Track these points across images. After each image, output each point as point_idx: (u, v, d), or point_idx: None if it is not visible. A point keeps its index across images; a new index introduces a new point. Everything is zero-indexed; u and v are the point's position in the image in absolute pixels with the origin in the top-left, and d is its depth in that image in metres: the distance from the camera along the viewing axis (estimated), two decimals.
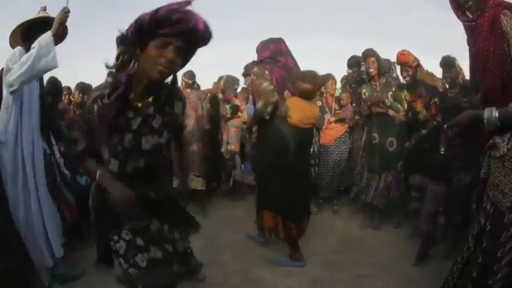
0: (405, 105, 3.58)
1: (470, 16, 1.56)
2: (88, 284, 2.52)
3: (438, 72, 3.64)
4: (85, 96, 3.92)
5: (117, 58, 1.20)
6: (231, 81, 4.80)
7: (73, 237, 2.73)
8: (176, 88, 1.40)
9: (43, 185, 2.36)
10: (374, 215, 3.74)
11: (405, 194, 3.69)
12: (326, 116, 4.12)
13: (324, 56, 11.13)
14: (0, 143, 2.20)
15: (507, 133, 1.47)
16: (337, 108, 4.25)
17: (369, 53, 3.65)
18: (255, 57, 3.09)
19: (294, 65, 3.02)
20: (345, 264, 2.93)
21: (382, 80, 3.65)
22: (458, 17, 1.60)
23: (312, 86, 2.81)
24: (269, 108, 2.73)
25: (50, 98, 3.11)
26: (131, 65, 1.19)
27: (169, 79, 1.29)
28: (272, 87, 2.75)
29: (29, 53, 2.04)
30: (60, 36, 2.29)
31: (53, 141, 2.65)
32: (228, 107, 4.37)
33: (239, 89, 4.85)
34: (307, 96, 2.83)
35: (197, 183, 4.10)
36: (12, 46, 2.23)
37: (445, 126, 1.67)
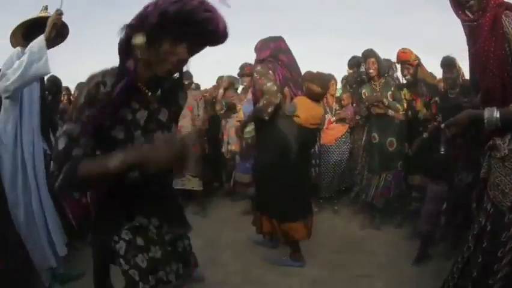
0: (405, 105, 3.57)
1: (471, 16, 1.55)
2: (88, 284, 2.51)
3: (437, 73, 3.65)
4: None
5: (127, 41, 1.10)
6: (231, 81, 4.80)
7: (74, 237, 2.73)
8: (181, 80, 1.33)
9: (44, 185, 2.36)
10: (375, 215, 3.74)
11: (405, 194, 3.69)
12: (326, 116, 4.11)
13: (324, 56, 11.16)
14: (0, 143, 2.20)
15: (507, 134, 1.47)
16: (338, 108, 4.26)
17: (369, 54, 3.65)
18: (254, 57, 3.08)
19: (294, 64, 3.01)
20: (345, 264, 2.93)
21: (382, 80, 3.66)
22: (459, 16, 1.60)
23: (321, 88, 2.84)
24: (270, 109, 2.73)
25: (50, 96, 3.11)
26: (142, 52, 1.09)
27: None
28: (276, 87, 2.74)
29: (21, 59, 2.04)
30: (61, 36, 2.30)
31: (53, 140, 2.65)
32: (223, 102, 4.36)
33: (239, 90, 4.85)
34: (315, 97, 2.85)
35: (193, 183, 4.08)
36: (14, 45, 2.24)
37: (443, 125, 1.66)
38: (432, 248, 2.94)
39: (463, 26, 1.62)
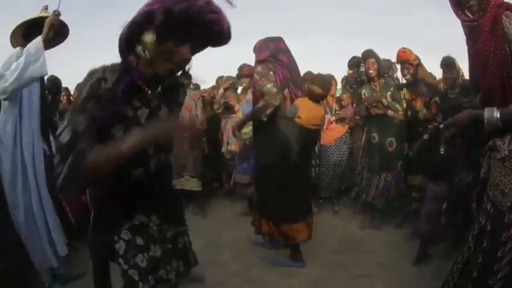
0: (404, 105, 3.57)
1: (471, 16, 1.55)
2: (89, 284, 2.50)
3: (437, 73, 3.65)
4: None
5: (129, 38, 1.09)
6: (231, 81, 4.79)
7: (74, 237, 2.73)
8: (181, 77, 1.32)
9: (44, 185, 2.36)
10: (375, 215, 3.74)
11: (405, 194, 3.69)
12: (326, 116, 4.11)
13: (324, 56, 11.17)
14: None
15: (507, 135, 1.46)
16: (338, 108, 4.27)
17: (368, 54, 3.65)
18: (254, 58, 3.08)
19: (294, 64, 3.02)
20: (345, 265, 2.93)
21: (381, 80, 3.66)
22: (458, 16, 1.60)
23: (322, 89, 2.84)
24: (269, 111, 2.73)
25: (50, 95, 3.11)
26: (150, 51, 1.08)
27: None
28: (276, 89, 2.74)
29: (18, 60, 2.04)
30: (62, 35, 2.30)
31: (52, 140, 2.65)
32: (222, 102, 4.36)
33: (239, 90, 4.85)
34: (316, 98, 2.86)
35: (192, 184, 4.06)
36: (14, 45, 2.24)
37: (441, 125, 1.65)
38: (432, 248, 2.94)
39: (463, 26, 1.62)
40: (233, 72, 4.58)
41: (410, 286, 2.58)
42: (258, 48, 2.98)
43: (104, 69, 1.14)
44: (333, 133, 4.18)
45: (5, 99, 2.15)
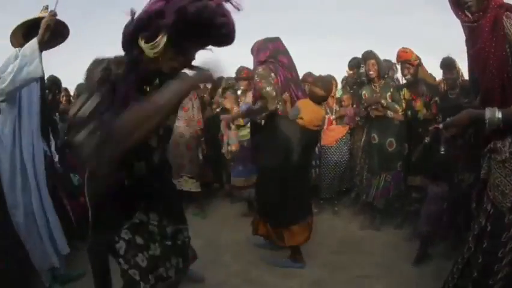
0: (404, 105, 3.58)
1: (470, 17, 1.55)
2: (89, 284, 2.50)
3: (437, 73, 3.65)
4: None
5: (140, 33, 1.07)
6: (230, 82, 4.79)
7: (74, 237, 2.72)
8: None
9: (44, 185, 2.36)
10: (375, 216, 3.74)
11: (404, 195, 3.69)
12: (326, 116, 4.12)
13: (324, 56, 11.16)
14: None
15: (507, 137, 1.46)
16: (337, 109, 4.27)
17: (368, 56, 3.65)
18: (252, 59, 3.08)
19: (293, 65, 3.02)
20: (345, 265, 2.93)
21: (382, 81, 3.66)
22: (458, 17, 1.59)
23: (324, 91, 2.86)
24: (265, 115, 2.74)
25: (50, 95, 3.11)
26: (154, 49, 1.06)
27: None
28: (275, 93, 2.74)
29: (14, 62, 2.03)
30: (62, 36, 2.30)
31: (52, 140, 2.65)
32: (220, 100, 4.36)
33: (239, 92, 4.85)
34: (318, 100, 2.87)
35: (190, 185, 4.04)
36: (14, 45, 2.24)
37: (441, 125, 1.64)
38: (432, 248, 2.94)
39: (463, 26, 1.62)
40: (233, 73, 4.58)
41: (410, 287, 2.58)
42: (257, 49, 2.98)
43: (109, 61, 1.12)
44: (334, 134, 4.18)
45: (1, 101, 2.15)
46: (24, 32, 2.25)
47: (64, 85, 3.96)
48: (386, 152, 3.59)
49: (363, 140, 3.95)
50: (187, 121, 4.03)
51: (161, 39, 1.05)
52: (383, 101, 3.55)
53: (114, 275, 1.40)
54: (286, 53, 2.98)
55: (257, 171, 3.54)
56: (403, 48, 3.53)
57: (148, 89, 1.21)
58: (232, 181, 4.19)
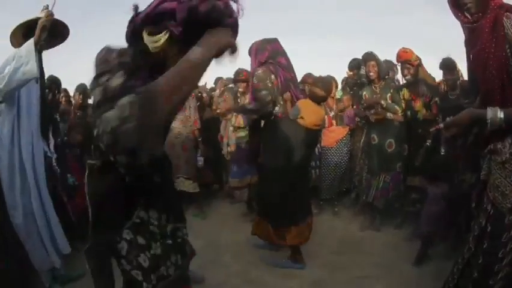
0: (403, 105, 3.58)
1: (470, 17, 1.55)
2: (89, 285, 2.50)
3: (436, 74, 3.65)
4: (86, 99, 3.93)
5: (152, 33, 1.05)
6: (229, 83, 4.79)
7: (74, 238, 2.72)
8: None
9: (45, 185, 2.36)
10: (375, 216, 3.74)
11: (404, 195, 3.69)
12: (326, 117, 4.14)
13: (324, 56, 11.17)
14: None
15: (507, 138, 1.46)
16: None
17: (369, 57, 3.67)
18: (250, 60, 3.08)
19: (291, 65, 3.03)
20: (345, 266, 2.93)
21: (382, 82, 3.67)
22: (458, 18, 1.59)
23: (324, 91, 2.88)
24: (255, 117, 2.75)
25: (50, 94, 3.11)
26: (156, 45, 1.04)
27: None
28: (269, 98, 2.76)
29: (11, 64, 2.03)
30: (61, 36, 2.30)
31: (52, 140, 2.65)
32: (219, 102, 4.36)
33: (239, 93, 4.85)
34: (318, 100, 2.89)
35: (187, 186, 4.01)
36: (14, 45, 2.23)
37: (441, 125, 1.62)
38: (433, 249, 2.94)
39: (462, 27, 1.61)
40: (232, 73, 4.58)
41: (410, 287, 2.58)
42: (255, 50, 2.98)
43: (121, 49, 1.09)
44: (334, 135, 4.18)
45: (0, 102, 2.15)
46: (24, 32, 2.25)
47: (63, 85, 3.96)
48: (385, 153, 3.59)
49: (362, 140, 3.96)
50: (183, 121, 4.02)
51: (164, 36, 1.04)
52: (382, 102, 3.55)
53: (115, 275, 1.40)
54: (284, 53, 2.99)
55: (252, 172, 3.56)
56: (403, 48, 3.53)
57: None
58: (229, 181, 4.20)
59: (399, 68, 3.79)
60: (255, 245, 3.24)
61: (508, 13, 1.43)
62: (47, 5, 2.15)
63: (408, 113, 3.56)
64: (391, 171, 3.61)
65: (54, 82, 3.52)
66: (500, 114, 1.38)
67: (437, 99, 3.36)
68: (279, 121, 2.82)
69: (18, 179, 2.25)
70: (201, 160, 4.20)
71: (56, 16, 2.17)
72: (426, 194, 3.03)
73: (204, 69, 0.99)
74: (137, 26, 1.09)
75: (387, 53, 3.96)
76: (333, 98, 4.28)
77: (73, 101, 4.13)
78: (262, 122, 2.96)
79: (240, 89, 4.15)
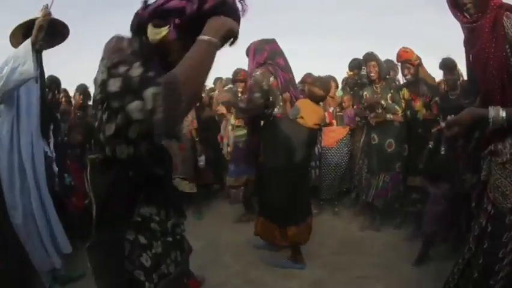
0: (403, 105, 3.58)
1: (469, 17, 1.55)
2: (89, 285, 2.50)
3: (436, 74, 3.65)
4: (86, 99, 3.93)
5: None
6: (229, 83, 4.80)
7: (75, 237, 2.72)
8: None
9: (45, 185, 2.36)
10: (375, 216, 3.74)
11: (403, 196, 3.68)
12: (326, 113, 4.15)
13: (324, 56, 11.17)
14: None
15: (507, 139, 1.46)
16: (338, 110, 4.28)
17: (369, 57, 3.68)
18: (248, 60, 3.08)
19: (288, 66, 3.04)
20: (345, 266, 2.93)
21: (382, 82, 3.68)
22: (457, 18, 1.58)
23: (323, 91, 2.91)
24: (244, 116, 2.75)
25: (50, 93, 3.11)
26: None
27: None
28: (261, 101, 2.77)
29: (9, 64, 2.03)
30: (61, 35, 2.29)
31: (52, 139, 2.65)
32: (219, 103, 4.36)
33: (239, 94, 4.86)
34: (317, 99, 2.92)
35: (184, 186, 4.00)
36: (14, 45, 2.23)
37: (443, 124, 1.61)
38: (433, 249, 2.93)
39: (462, 27, 1.61)
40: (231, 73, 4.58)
41: (410, 287, 2.58)
42: (253, 51, 2.98)
43: (130, 41, 1.10)
44: (334, 135, 4.19)
45: None
46: (24, 32, 2.24)
47: (63, 85, 3.96)
48: (385, 153, 3.60)
49: (362, 140, 3.97)
50: None
51: (166, 29, 1.05)
52: (383, 102, 3.56)
53: None
54: (282, 54, 3.00)
55: (249, 172, 3.55)
56: (404, 48, 3.53)
57: None
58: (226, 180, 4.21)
59: (399, 67, 3.79)
60: (254, 245, 3.24)
61: (507, 13, 1.42)
62: (47, 5, 2.15)
63: (408, 112, 3.56)
64: (390, 171, 3.61)
65: (54, 82, 3.52)
66: (502, 113, 1.36)
67: (437, 99, 3.36)
68: (279, 121, 2.83)
69: (18, 180, 2.24)
70: (202, 160, 4.19)
71: (56, 16, 2.18)
72: (428, 194, 3.03)
73: (215, 52, 1.01)
74: (145, 19, 1.10)
75: (387, 53, 3.96)
76: (332, 98, 4.28)
77: (73, 101, 4.12)
78: (262, 122, 2.97)
79: (239, 89, 4.16)
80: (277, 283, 2.71)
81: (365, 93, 3.75)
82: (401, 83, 3.88)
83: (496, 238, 1.45)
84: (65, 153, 2.99)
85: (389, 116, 3.56)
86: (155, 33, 1.06)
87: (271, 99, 2.82)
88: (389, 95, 3.60)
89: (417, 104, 3.50)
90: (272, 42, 2.99)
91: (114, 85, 0.98)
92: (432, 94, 3.42)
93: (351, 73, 4.50)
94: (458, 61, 3.12)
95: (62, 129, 3.34)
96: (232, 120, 4.16)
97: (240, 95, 4.18)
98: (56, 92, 3.64)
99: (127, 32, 1.14)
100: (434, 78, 3.76)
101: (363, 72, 4.05)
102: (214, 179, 4.71)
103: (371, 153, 3.75)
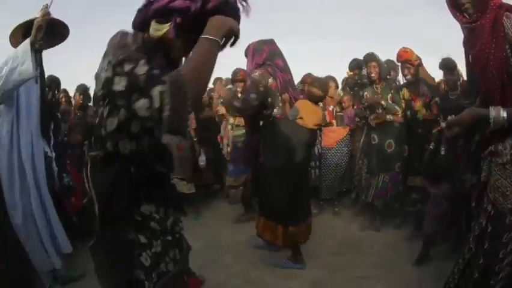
0: (403, 105, 3.58)
1: (468, 17, 1.54)
2: (89, 285, 2.50)
3: (437, 74, 3.65)
4: (86, 99, 3.93)
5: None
6: (228, 83, 4.79)
7: (75, 237, 2.72)
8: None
9: (45, 185, 2.36)
10: (375, 216, 3.74)
11: (402, 196, 3.68)
12: (326, 112, 4.16)
13: (324, 56, 11.18)
14: None
15: (507, 139, 1.45)
16: (338, 110, 4.28)
17: (370, 58, 3.69)
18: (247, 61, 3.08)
19: (287, 66, 3.04)
20: (345, 266, 2.93)
21: (383, 83, 3.68)
22: (456, 18, 1.58)
23: (322, 91, 2.93)
24: (234, 113, 2.75)
25: (50, 92, 3.11)
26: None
27: None
28: (255, 103, 2.78)
29: (8, 65, 2.03)
30: (61, 35, 2.29)
31: (52, 139, 2.64)
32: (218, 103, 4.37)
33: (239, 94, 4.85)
34: (316, 100, 2.94)
35: (181, 186, 3.96)
36: (13, 45, 2.23)
37: (444, 124, 1.61)
38: (434, 249, 2.93)
39: (462, 27, 1.61)
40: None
41: (410, 287, 2.58)
42: (252, 51, 2.98)
43: (134, 37, 1.11)
44: (334, 135, 4.18)
45: None
46: (24, 32, 2.24)
47: (63, 86, 3.96)
48: (385, 153, 3.60)
49: (362, 140, 3.98)
50: None
51: (167, 26, 1.07)
52: (383, 102, 3.56)
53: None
54: (281, 55, 3.00)
55: (249, 172, 3.55)
56: (404, 48, 3.53)
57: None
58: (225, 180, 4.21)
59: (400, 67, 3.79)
60: (255, 245, 3.25)
61: (507, 13, 1.42)
62: (47, 4, 2.15)
63: (408, 113, 3.56)
64: (390, 172, 3.61)
65: (54, 81, 3.53)
66: (503, 114, 1.36)
67: (437, 99, 3.36)
68: (279, 122, 2.84)
69: (18, 180, 2.24)
70: (203, 160, 4.19)
71: (56, 16, 2.18)
72: (429, 194, 3.02)
73: (217, 51, 1.03)
74: (148, 17, 1.11)
75: (387, 53, 3.97)
76: (332, 98, 4.28)
77: (73, 101, 4.12)
78: (262, 122, 2.97)
79: (238, 89, 4.16)
80: (277, 283, 2.71)
81: (366, 93, 3.75)
82: (401, 83, 3.88)
83: (496, 238, 1.45)
84: (64, 153, 2.99)
85: (388, 117, 3.57)
86: (157, 30, 1.08)
87: (269, 100, 2.82)
88: (390, 95, 3.61)
89: (417, 104, 3.50)
90: (271, 43, 2.99)
91: (120, 83, 0.99)
92: (433, 94, 3.42)
93: (351, 73, 4.50)
94: (458, 61, 3.11)
95: (62, 129, 3.34)
96: (232, 119, 4.17)
97: (239, 95, 4.18)
98: (56, 91, 3.64)
99: None
100: (433, 79, 3.76)
101: (364, 72, 4.05)
102: (214, 179, 4.72)
103: (370, 153, 3.75)
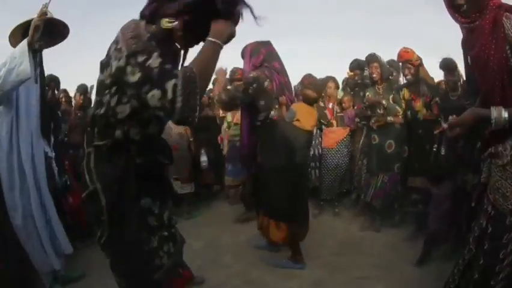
0: (403, 105, 3.58)
1: (466, 17, 1.54)
2: (89, 285, 2.52)
3: (437, 74, 3.65)
4: (86, 99, 3.93)
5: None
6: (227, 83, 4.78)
7: (75, 238, 2.72)
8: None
9: (45, 185, 2.36)
10: (375, 217, 3.74)
11: (401, 196, 3.67)
12: (326, 110, 4.17)
13: (324, 56, 11.17)
14: None
15: (508, 140, 1.45)
16: (338, 110, 4.27)
17: (372, 58, 3.70)
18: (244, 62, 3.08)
19: (284, 68, 3.04)
20: (345, 266, 2.92)
21: (384, 84, 3.69)
22: (455, 19, 1.58)
23: (316, 93, 2.97)
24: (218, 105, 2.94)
25: (50, 92, 3.11)
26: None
27: None
28: (237, 103, 2.83)
29: (5, 67, 2.03)
30: (61, 35, 2.29)
31: (52, 139, 2.64)
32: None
33: None
34: (310, 102, 2.97)
35: (177, 187, 3.94)
36: (13, 45, 2.23)
37: (445, 125, 1.59)
38: (434, 249, 2.93)
39: (461, 27, 1.61)
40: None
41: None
42: (249, 52, 2.97)
43: (145, 27, 1.18)
44: (334, 136, 4.18)
45: None
46: (23, 32, 2.24)
47: (63, 86, 3.96)
48: (385, 153, 3.60)
49: (362, 141, 3.97)
50: None
51: (176, 23, 1.15)
52: (384, 102, 3.56)
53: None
54: (278, 57, 3.00)
55: (248, 172, 3.55)
56: (404, 48, 3.53)
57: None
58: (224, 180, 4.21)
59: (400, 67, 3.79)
60: (255, 245, 3.25)
61: (507, 13, 1.42)
62: (47, 4, 2.15)
63: (409, 113, 3.55)
64: (389, 172, 3.60)
65: (53, 80, 3.52)
66: (505, 114, 1.36)
67: (437, 99, 3.35)
68: (276, 123, 2.86)
69: (18, 180, 2.24)
70: (205, 161, 4.18)
71: (56, 16, 2.17)
72: (430, 194, 3.02)
73: (219, 52, 1.14)
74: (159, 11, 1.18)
75: (387, 53, 3.98)
76: (331, 96, 4.28)
77: (73, 102, 4.12)
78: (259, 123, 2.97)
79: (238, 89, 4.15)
80: (277, 283, 2.71)
81: (368, 93, 3.76)
82: (402, 83, 3.88)
83: (496, 239, 1.45)
84: (63, 153, 2.99)
85: (389, 118, 3.57)
86: (167, 22, 1.15)
87: (262, 103, 2.81)
88: (391, 96, 3.61)
89: (418, 104, 3.50)
90: (268, 44, 2.99)
91: (133, 74, 1.05)
92: (433, 94, 3.42)
93: (352, 74, 4.50)
94: (458, 61, 3.11)
95: (63, 129, 3.34)
96: (229, 117, 4.16)
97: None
98: (56, 90, 3.64)
99: None
100: (433, 79, 3.76)
101: (366, 73, 4.06)
102: (215, 179, 4.72)
103: (370, 153, 3.75)
